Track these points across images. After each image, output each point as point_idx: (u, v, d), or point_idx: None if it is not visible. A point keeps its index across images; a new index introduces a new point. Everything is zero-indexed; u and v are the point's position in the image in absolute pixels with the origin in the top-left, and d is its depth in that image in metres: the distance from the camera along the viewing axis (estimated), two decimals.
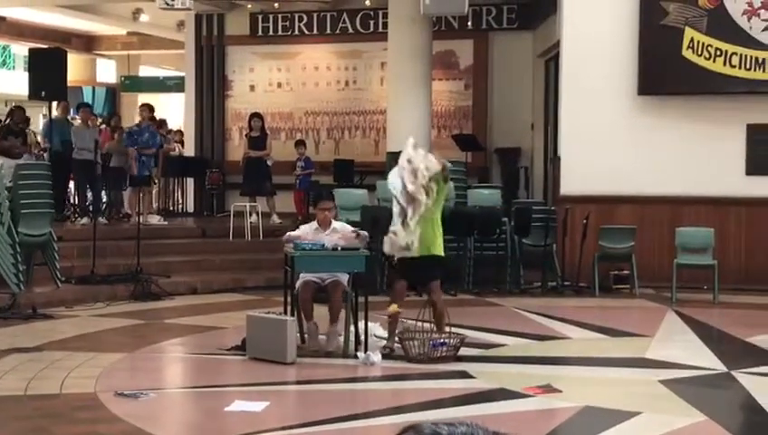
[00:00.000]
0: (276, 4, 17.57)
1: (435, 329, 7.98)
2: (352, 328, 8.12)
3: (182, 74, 20.12)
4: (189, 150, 18.21)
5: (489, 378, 7.41)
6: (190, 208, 17.49)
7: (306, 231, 8.45)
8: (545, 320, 10.01)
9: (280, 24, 17.84)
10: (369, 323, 8.15)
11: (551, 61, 15.18)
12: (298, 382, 7.49)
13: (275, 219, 14.41)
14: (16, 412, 6.32)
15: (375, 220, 10.50)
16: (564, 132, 12.81)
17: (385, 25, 15.37)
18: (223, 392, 6.93)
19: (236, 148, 17.27)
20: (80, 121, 15.12)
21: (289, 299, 8.30)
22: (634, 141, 12.47)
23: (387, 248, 8.02)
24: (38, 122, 19.93)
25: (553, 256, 12.23)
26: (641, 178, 12.35)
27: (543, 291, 11.94)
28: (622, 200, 12.38)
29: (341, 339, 8.11)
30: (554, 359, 8.42)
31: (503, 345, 8.74)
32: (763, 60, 12.10)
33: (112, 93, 25.08)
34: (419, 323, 7.89)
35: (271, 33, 17.91)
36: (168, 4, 13.88)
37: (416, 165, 7.78)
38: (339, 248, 8.12)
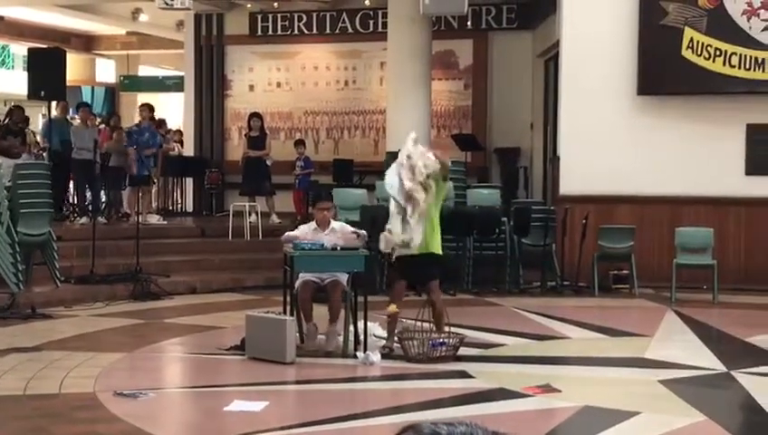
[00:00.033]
0: (276, 4, 17.56)
1: (434, 329, 7.97)
2: (352, 328, 8.12)
3: (181, 74, 20.12)
4: (189, 150, 18.21)
5: (488, 378, 7.41)
6: (189, 208, 17.48)
7: (305, 231, 8.44)
8: (544, 320, 10.01)
9: (279, 23, 17.84)
10: (369, 323, 8.15)
11: (550, 61, 15.18)
12: (297, 382, 7.49)
13: (275, 219, 14.41)
14: (15, 412, 6.32)
15: (374, 220, 10.49)
16: (564, 132, 12.80)
17: (384, 25, 15.37)
18: (222, 392, 6.92)
19: (236, 147, 17.27)
20: (79, 121, 15.11)
21: (288, 299, 8.30)
22: (633, 141, 12.47)
23: (382, 246, 8.03)
24: (37, 122, 19.92)
25: (553, 255, 12.23)
26: (641, 178, 12.35)
27: (543, 291, 11.94)
28: (622, 200, 12.38)
29: (341, 339, 8.11)
30: (554, 359, 8.41)
31: (502, 345, 8.74)
32: (763, 60, 12.10)
33: (111, 93, 25.08)
34: (419, 323, 7.88)
35: (270, 32, 17.91)
36: (167, 4, 13.87)
37: (414, 161, 7.78)
38: (338, 248, 8.11)
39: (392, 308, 8.00)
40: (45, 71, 13.21)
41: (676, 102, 12.50)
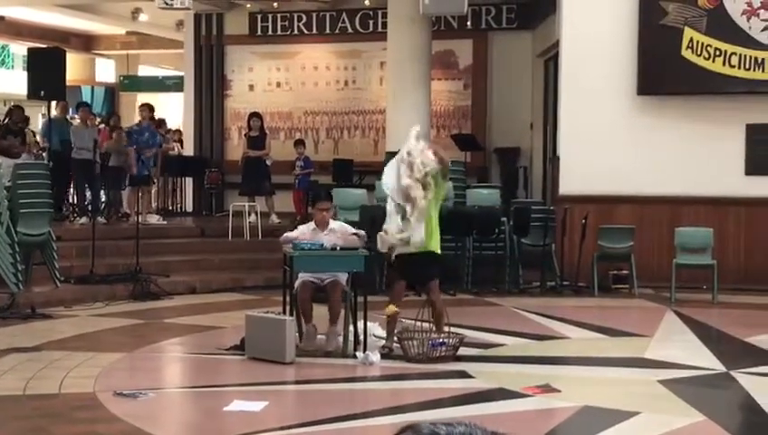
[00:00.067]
0: (275, 4, 17.56)
1: (434, 329, 7.97)
2: (351, 328, 8.12)
3: (181, 74, 20.12)
4: (188, 150, 18.22)
5: (488, 378, 7.41)
6: (189, 208, 17.49)
7: (304, 231, 8.44)
8: (544, 320, 10.01)
9: (279, 23, 17.84)
10: (369, 323, 8.14)
11: (550, 60, 15.18)
12: (297, 382, 7.48)
13: (274, 219, 14.41)
14: (15, 412, 6.32)
15: (374, 220, 10.49)
16: (563, 132, 12.80)
17: (384, 25, 15.37)
18: (222, 392, 6.92)
19: (235, 147, 17.27)
20: (79, 121, 15.11)
21: (288, 299, 8.30)
22: (633, 141, 12.47)
23: (379, 246, 8.04)
24: (37, 122, 19.92)
25: (552, 255, 12.23)
26: (640, 178, 12.35)
27: (542, 291, 11.93)
28: (621, 200, 12.38)
29: (341, 339, 8.11)
30: (553, 359, 8.41)
31: (502, 345, 8.73)
32: (763, 60, 12.10)
33: (111, 93, 25.09)
34: (418, 323, 7.88)
35: (270, 32, 17.91)
36: (167, 4, 13.87)
37: (413, 159, 7.77)
38: (338, 248, 8.11)
39: (391, 309, 8.00)
40: (45, 71, 13.21)
41: (676, 102, 12.50)
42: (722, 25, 12.16)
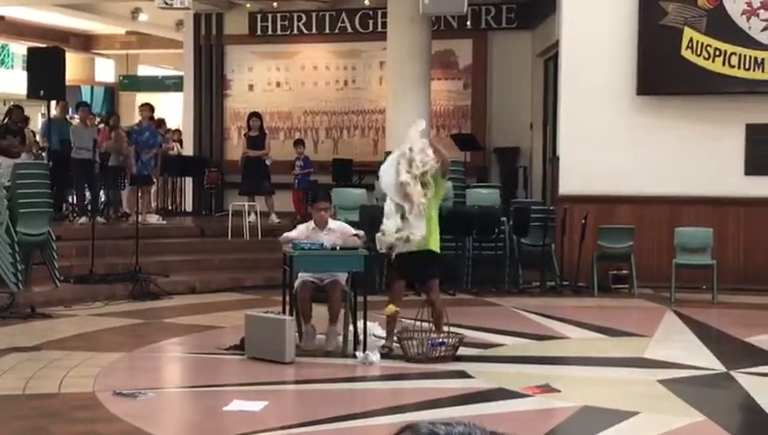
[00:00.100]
0: (275, 4, 17.56)
1: (433, 329, 7.97)
2: (351, 328, 8.11)
3: (181, 74, 20.12)
4: (188, 150, 18.21)
5: (488, 378, 7.40)
6: (189, 208, 17.48)
7: (303, 231, 8.43)
8: (544, 320, 10.01)
9: (279, 23, 17.84)
10: (368, 323, 8.14)
11: (550, 60, 15.18)
12: (296, 382, 7.48)
13: (274, 219, 14.41)
14: (15, 412, 6.31)
15: (373, 220, 10.48)
16: (563, 132, 12.80)
17: (384, 25, 15.37)
18: (221, 392, 6.92)
19: (235, 147, 17.26)
20: (78, 121, 15.11)
21: (287, 299, 8.29)
22: (633, 141, 12.47)
23: (378, 246, 8.04)
24: (37, 122, 19.91)
25: (552, 255, 12.23)
26: (640, 178, 12.35)
27: (542, 291, 11.94)
28: (621, 200, 12.38)
29: (340, 339, 8.10)
30: (553, 359, 8.41)
31: (501, 345, 8.73)
32: (763, 60, 12.10)
33: (111, 93, 25.08)
34: (418, 323, 7.88)
35: (270, 32, 17.90)
36: (166, 4, 13.86)
37: (413, 155, 7.77)
38: (337, 248, 8.11)
39: (390, 309, 8.00)
40: (45, 70, 13.21)
41: (676, 102, 12.50)
42: (722, 25, 12.16)
